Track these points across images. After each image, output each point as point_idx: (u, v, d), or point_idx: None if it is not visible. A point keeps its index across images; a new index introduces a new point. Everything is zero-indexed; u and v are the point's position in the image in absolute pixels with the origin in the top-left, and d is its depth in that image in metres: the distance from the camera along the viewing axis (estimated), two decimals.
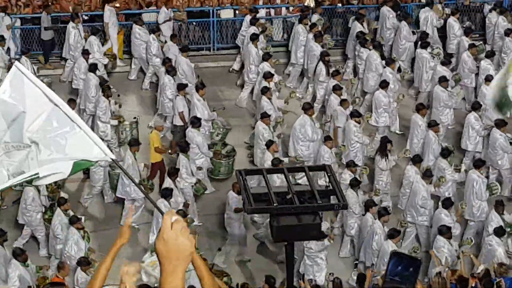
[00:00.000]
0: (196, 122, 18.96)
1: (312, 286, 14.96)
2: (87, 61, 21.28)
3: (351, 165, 18.05)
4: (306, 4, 23.26)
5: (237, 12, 24.08)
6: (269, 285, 14.61)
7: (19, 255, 15.38)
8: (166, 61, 21.29)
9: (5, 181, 4.32)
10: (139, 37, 22.72)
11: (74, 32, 22.38)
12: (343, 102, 19.79)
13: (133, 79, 23.10)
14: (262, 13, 24.18)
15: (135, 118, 20.18)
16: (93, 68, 20.83)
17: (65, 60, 22.86)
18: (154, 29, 22.78)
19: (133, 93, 22.76)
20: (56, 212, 16.98)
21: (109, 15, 23.16)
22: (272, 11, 24.52)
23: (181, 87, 20.19)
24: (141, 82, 22.94)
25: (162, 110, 20.80)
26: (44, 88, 4.31)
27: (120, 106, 20.51)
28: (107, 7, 23.17)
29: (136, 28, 22.78)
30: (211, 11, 24.19)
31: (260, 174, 15.43)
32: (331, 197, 14.02)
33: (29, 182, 4.44)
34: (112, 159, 4.43)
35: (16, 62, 4.41)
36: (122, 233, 4.94)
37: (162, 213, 3.82)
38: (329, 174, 14.21)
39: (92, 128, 19.47)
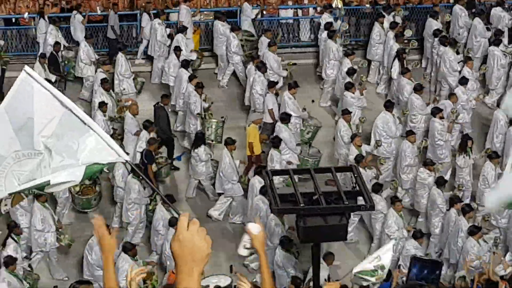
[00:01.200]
0: (285, 118, 19.25)
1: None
2: (178, 58, 21.51)
3: (429, 163, 18.11)
4: (333, 4, 23.33)
5: (264, 12, 24.05)
6: (295, 286, 14.59)
7: (130, 249, 15.69)
8: (254, 57, 21.38)
9: (15, 187, 4.29)
10: (222, 32, 22.74)
11: (160, 29, 22.45)
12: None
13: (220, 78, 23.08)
14: (290, 13, 24.17)
15: (222, 117, 20.29)
16: (185, 64, 21.03)
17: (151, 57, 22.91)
18: (234, 27, 22.76)
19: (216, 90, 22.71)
20: (158, 208, 17.19)
21: (185, 13, 23.24)
22: (300, 12, 24.51)
23: (271, 85, 20.37)
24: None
25: (253, 106, 20.92)
26: (55, 92, 4.27)
27: (212, 103, 20.65)
28: (182, 6, 23.27)
29: (218, 24, 22.79)
30: (238, 11, 24.16)
31: (286, 175, 15.40)
32: (358, 198, 13.95)
33: (40, 189, 4.40)
34: (126, 161, 4.39)
35: (26, 67, 4.41)
36: (106, 247, 4.64)
37: (178, 214, 3.78)
38: (355, 175, 14.14)
39: (184, 123, 20.24)
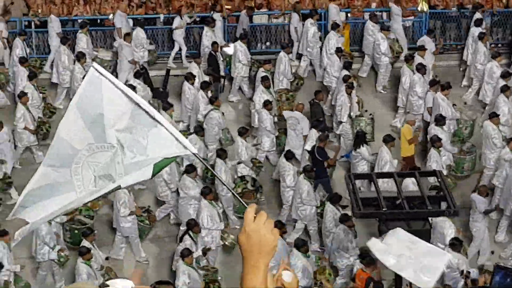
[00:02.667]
0: (440, 120, 19.15)
1: None
2: (340, 58, 21.66)
3: None
4: (419, 8, 23.12)
5: (349, 15, 23.99)
6: None
7: (301, 246, 15.79)
8: (409, 59, 21.33)
9: (91, 182, 4.35)
10: (371, 33, 22.68)
11: (313, 29, 22.55)
12: None
13: (364, 76, 22.99)
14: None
15: (371, 114, 20.42)
16: (347, 65, 21.19)
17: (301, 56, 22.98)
18: (384, 26, 22.59)
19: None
20: (327, 207, 17.32)
21: (335, 12, 23.21)
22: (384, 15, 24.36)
23: (432, 83, 20.35)
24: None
25: (409, 108, 20.82)
26: (123, 88, 4.31)
27: (362, 105, 20.76)
28: (331, 4, 23.21)
29: (369, 25, 22.75)
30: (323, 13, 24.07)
31: (369, 179, 15.36)
32: (442, 203, 13.83)
33: (110, 192, 4.43)
34: (194, 154, 4.36)
35: (94, 63, 4.49)
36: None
37: (245, 205, 3.78)
38: (439, 180, 14.01)
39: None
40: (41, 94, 20.32)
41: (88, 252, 15.63)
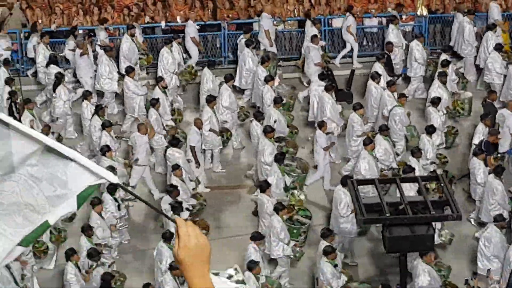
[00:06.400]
0: None
1: None
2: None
3: None
4: (418, 13, 23.10)
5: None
6: None
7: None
8: None
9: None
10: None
11: (468, 27, 22.35)
12: None
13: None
14: (374, 22, 24.01)
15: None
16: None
17: None
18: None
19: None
20: None
21: (496, 12, 23.00)
22: (384, 20, 24.38)
23: None
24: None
25: None
26: (28, 130, 4.19)
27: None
28: (493, 3, 23.10)
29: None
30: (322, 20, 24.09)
31: (372, 184, 15.36)
32: (444, 207, 13.84)
33: (42, 231, 4.27)
34: (116, 183, 4.21)
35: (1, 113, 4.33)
36: None
37: (173, 221, 3.69)
38: (442, 184, 14.02)
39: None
40: None
41: (332, 252, 15.47)
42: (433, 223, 14.05)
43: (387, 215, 13.49)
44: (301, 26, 23.51)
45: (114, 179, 4.15)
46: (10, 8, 23.05)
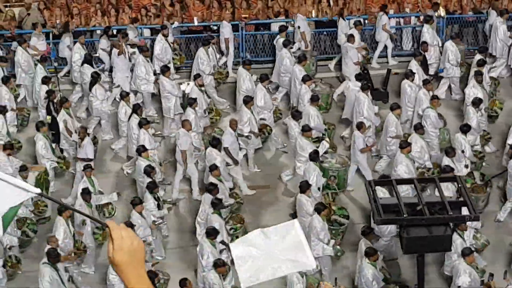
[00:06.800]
0: None
1: None
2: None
3: None
4: (436, 14, 22.94)
5: (366, 22, 23.97)
6: None
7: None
8: None
9: None
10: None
11: (502, 28, 22.36)
12: None
13: None
14: (392, 22, 23.88)
15: None
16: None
17: None
18: None
19: None
20: None
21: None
22: (402, 20, 24.28)
23: None
24: None
25: None
26: None
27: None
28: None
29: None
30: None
31: (389, 185, 15.36)
32: (462, 208, 13.80)
33: None
34: (38, 193, 4.09)
35: None
36: None
37: (104, 224, 3.73)
38: (459, 185, 13.98)
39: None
40: None
41: (374, 254, 15.42)
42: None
43: (405, 215, 13.50)
44: (318, 27, 23.57)
45: (37, 190, 4.05)
46: (28, 8, 23.31)
